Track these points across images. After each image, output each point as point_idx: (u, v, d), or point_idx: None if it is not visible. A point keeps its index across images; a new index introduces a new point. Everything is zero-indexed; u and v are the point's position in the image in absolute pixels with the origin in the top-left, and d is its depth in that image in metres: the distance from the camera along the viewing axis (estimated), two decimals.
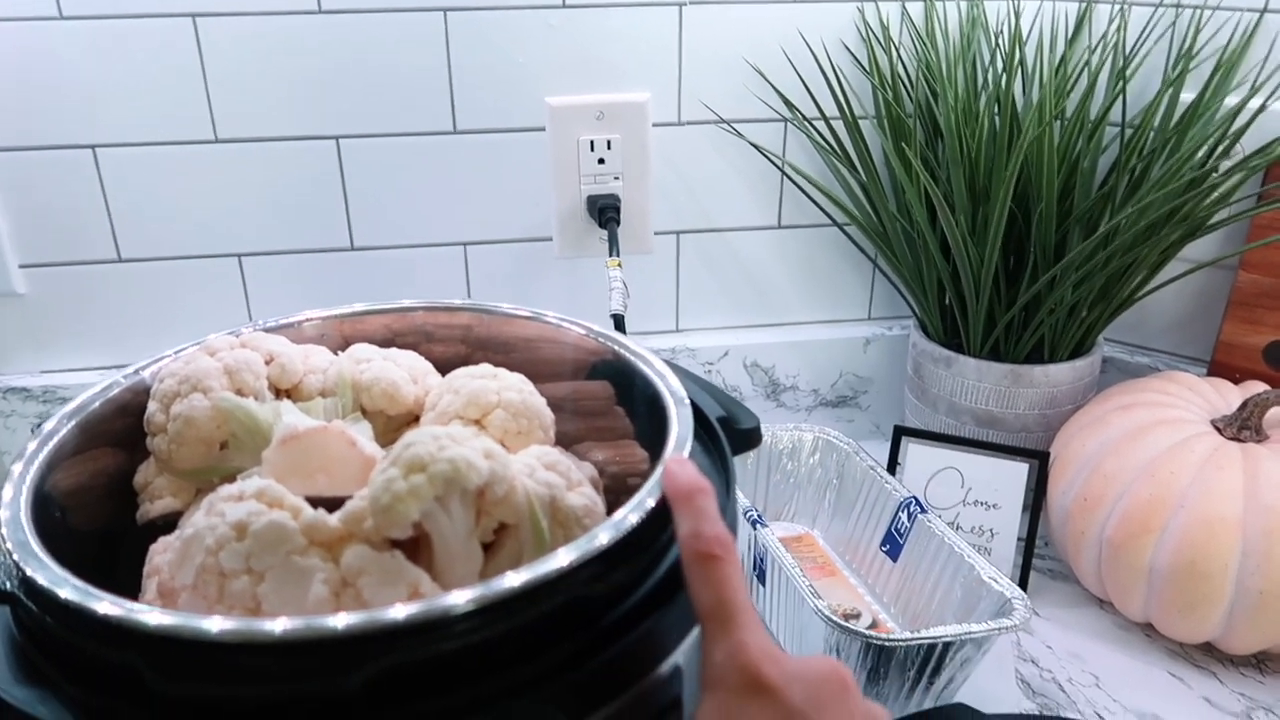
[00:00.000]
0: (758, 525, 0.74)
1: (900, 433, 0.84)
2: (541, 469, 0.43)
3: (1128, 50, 0.82)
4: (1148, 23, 0.83)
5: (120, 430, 0.49)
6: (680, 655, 0.39)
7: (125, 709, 0.32)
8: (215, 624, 0.32)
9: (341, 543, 0.39)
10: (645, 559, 0.38)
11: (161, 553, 0.42)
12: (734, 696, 0.34)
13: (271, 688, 0.32)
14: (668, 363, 0.53)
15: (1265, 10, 0.80)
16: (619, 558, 0.37)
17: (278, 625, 0.32)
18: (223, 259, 0.90)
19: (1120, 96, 0.78)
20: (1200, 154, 0.76)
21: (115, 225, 0.87)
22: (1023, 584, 0.79)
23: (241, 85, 0.84)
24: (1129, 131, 0.80)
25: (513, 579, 0.34)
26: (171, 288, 0.90)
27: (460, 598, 0.34)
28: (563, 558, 0.35)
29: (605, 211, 0.89)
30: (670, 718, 0.38)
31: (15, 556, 0.36)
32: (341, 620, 0.32)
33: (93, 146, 0.84)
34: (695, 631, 0.40)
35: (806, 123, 0.90)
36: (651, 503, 0.40)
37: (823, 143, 0.89)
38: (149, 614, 0.33)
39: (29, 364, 0.91)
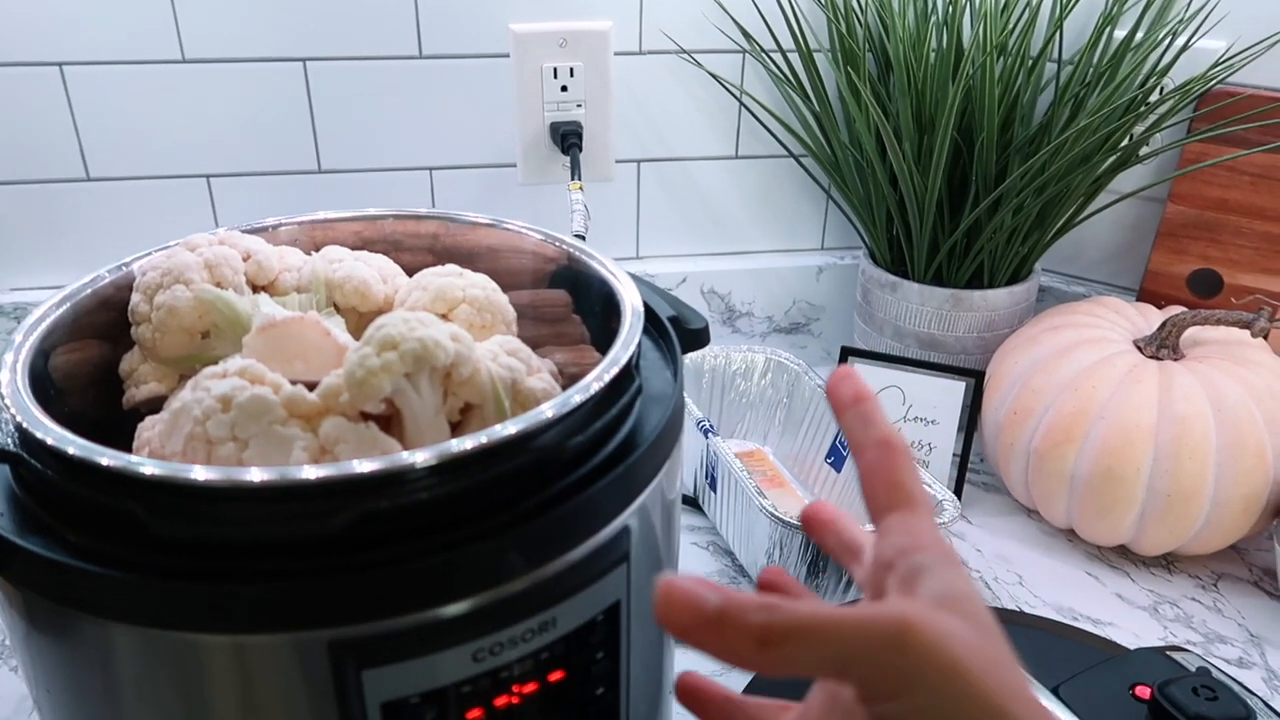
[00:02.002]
0: (709, 434, 0.78)
1: (846, 352, 0.88)
2: (504, 354, 0.46)
3: None
4: None
5: (105, 323, 0.51)
6: (629, 518, 0.43)
7: (124, 552, 0.36)
8: (202, 472, 0.36)
9: (319, 416, 0.42)
10: (596, 430, 0.42)
11: (150, 429, 0.46)
12: (941, 566, 0.32)
13: (255, 530, 0.36)
14: (623, 270, 0.56)
15: None
16: (567, 430, 0.41)
17: (256, 474, 0.35)
18: (191, 179, 0.92)
19: (1058, 32, 0.82)
20: (1134, 85, 0.80)
21: (83, 144, 0.88)
22: (957, 494, 0.84)
23: (209, 5, 0.85)
24: (1068, 70, 0.84)
25: (469, 441, 0.38)
26: (140, 207, 0.92)
27: (420, 456, 0.37)
28: (511, 427, 0.39)
29: (568, 138, 0.92)
30: (619, 570, 0.42)
31: (19, 419, 0.39)
32: (313, 471, 0.36)
33: (60, 64, 0.85)
34: (643, 497, 0.44)
35: (763, 54, 0.92)
36: (596, 387, 0.43)
37: (779, 74, 0.92)
38: (145, 464, 0.36)
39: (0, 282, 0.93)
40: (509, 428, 0.39)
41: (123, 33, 0.85)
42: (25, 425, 0.38)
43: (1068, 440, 0.75)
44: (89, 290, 0.51)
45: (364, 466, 0.36)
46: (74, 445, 0.37)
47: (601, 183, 0.97)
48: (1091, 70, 0.82)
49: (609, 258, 0.56)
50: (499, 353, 0.46)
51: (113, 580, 0.35)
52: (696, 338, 0.54)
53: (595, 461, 0.42)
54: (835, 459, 0.83)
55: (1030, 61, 0.83)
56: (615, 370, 0.43)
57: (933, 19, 0.85)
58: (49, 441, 0.37)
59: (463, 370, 0.44)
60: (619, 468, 0.41)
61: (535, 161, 0.95)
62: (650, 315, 0.53)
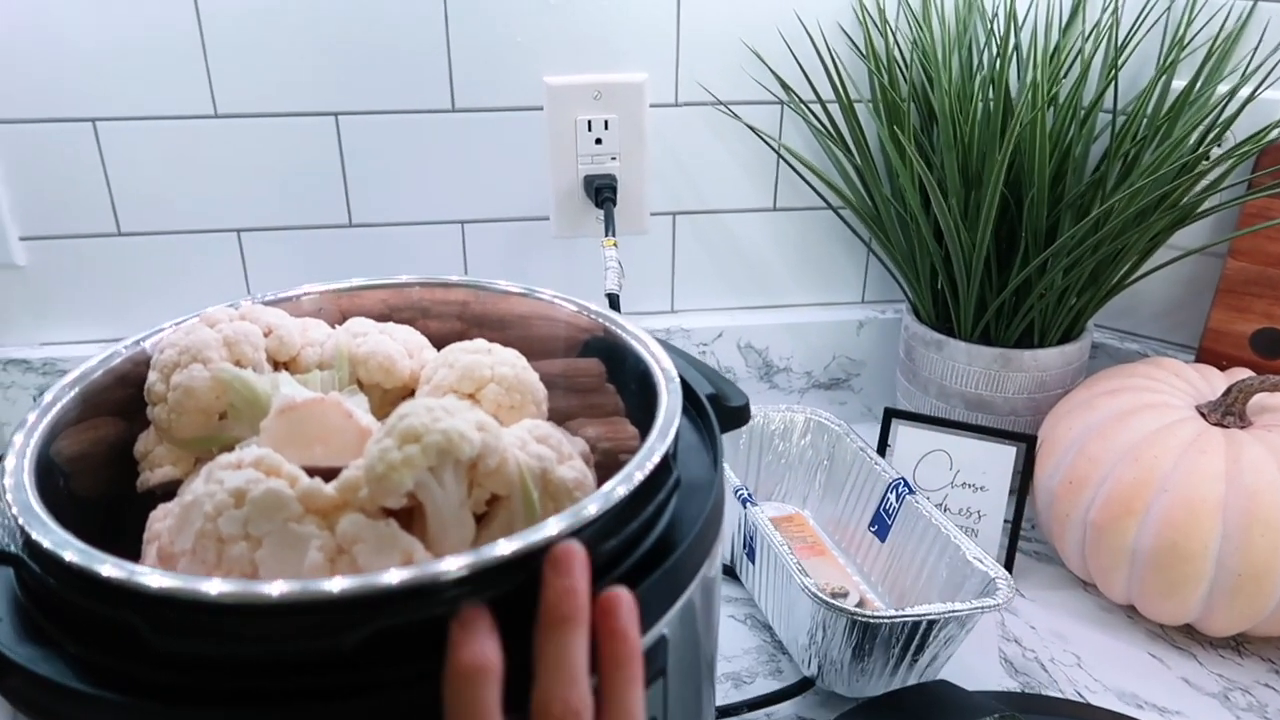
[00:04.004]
0: (748, 504, 0.75)
1: (890, 415, 0.85)
2: (533, 442, 0.44)
3: (1121, 37, 0.82)
4: (1142, 10, 0.84)
5: (121, 400, 0.50)
6: (665, 626, 0.40)
7: (126, 667, 0.34)
8: (214, 586, 0.33)
9: (337, 511, 0.40)
10: (632, 530, 0.39)
11: (161, 519, 0.43)
12: None
13: (268, 647, 0.33)
14: (659, 340, 0.54)
15: None
16: (606, 528, 0.38)
17: (275, 588, 0.33)
18: (222, 234, 0.91)
19: (1113, 83, 0.79)
20: (1191, 141, 0.76)
21: (115, 198, 0.88)
22: (1008, 566, 0.80)
23: (242, 60, 0.84)
24: (1121, 119, 0.81)
25: (503, 546, 0.35)
26: (170, 262, 0.91)
27: (452, 564, 0.35)
28: (551, 527, 0.36)
29: (602, 191, 0.90)
30: (654, 687, 0.39)
31: (20, 519, 0.37)
32: (336, 584, 0.33)
33: (93, 120, 0.85)
34: (681, 602, 0.41)
35: (802, 105, 0.90)
36: (640, 476, 0.41)
37: (818, 126, 0.89)
38: (150, 575, 0.33)
39: (29, 336, 0.92)
40: (548, 528, 0.36)
41: (156, 88, 0.84)
42: (25, 526, 0.36)
43: (1128, 513, 0.71)
44: (103, 369, 0.49)
45: (389, 578, 0.34)
46: (73, 551, 0.35)
47: (636, 236, 0.95)
48: (1146, 121, 0.79)
49: (644, 330, 0.53)
50: (528, 440, 0.44)
51: (109, 703, 0.32)
52: (737, 416, 0.51)
53: (629, 564, 0.39)
54: (879, 528, 0.80)
55: (1083, 112, 0.80)
56: (652, 464, 0.40)
57: (979, 74, 0.83)
58: (46, 545, 0.35)
59: (489, 461, 0.41)
60: (655, 573, 0.38)
61: (569, 215, 0.93)
62: (688, 392, 0.50)
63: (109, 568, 0.34)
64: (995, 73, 0.81)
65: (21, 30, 0.81)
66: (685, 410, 0.48)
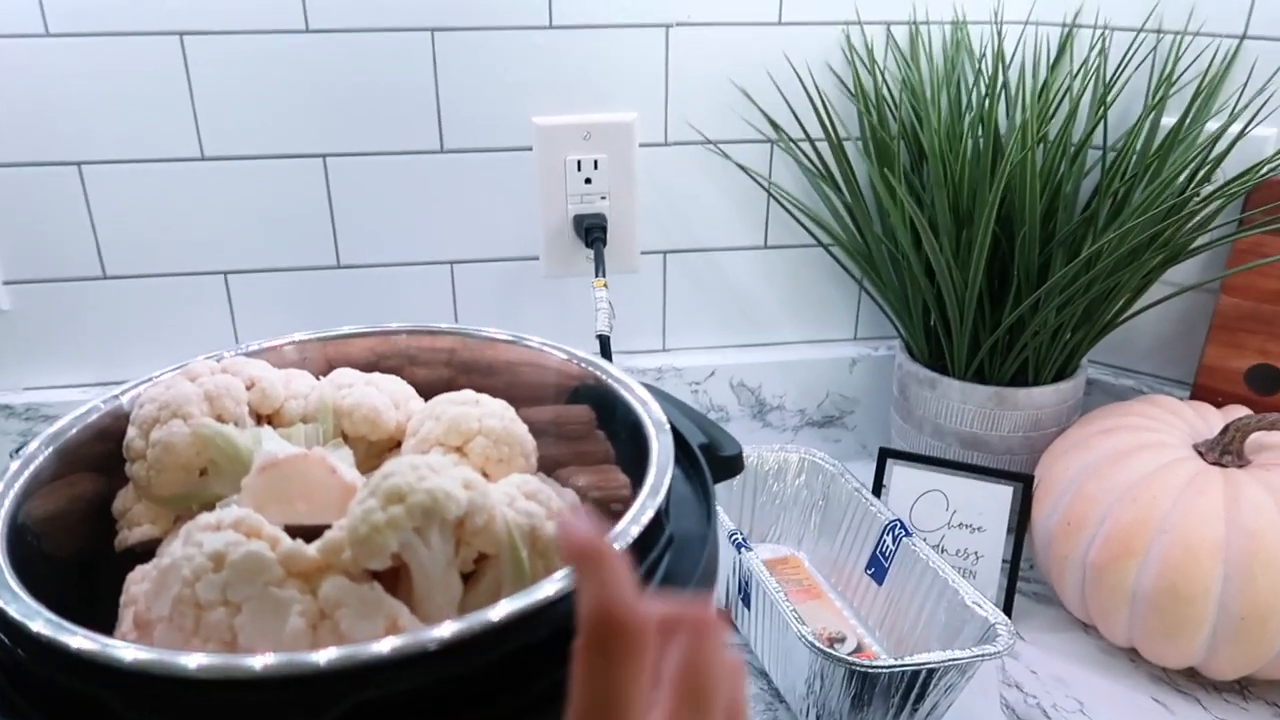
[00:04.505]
0: (742, 549, 0.74)
1: (885, 454, 0.84)
2: (522, 498, 0.43)
3: (1109, 75, 0.82)
4: (1129, 48, 0.84)
5: (99, 455, 0.48)
6: None
7: None
8: (193, 660, 0.32)
9: (320, 573, 0.39)
10: None
11: (138, 582, 0.42)
12: None
13: None
14: (649, 387, 0.53)
15: (1244, 37, 0.81)
16: None
17: (258, 661, 0.32)
18: (208, 276, 0.90)
19: (1102, 121, 0.79)
20: (1181, 179, 0.76)
21: (100, 242, 0.87)
22: (1007, 608, 0.79)
23: (228, 103, 0.84)
24: (1110, 156, 0.80)
25: (493, 613, 0.34)
26: (157, 305, 0.90)
27: (440, 632, 0.33)
28: (543, 590, 0.35)
29: (592, 231, 0.89)
30: None
31: None
32: (322, 656, 0.32)
33: (78, 164, 0.84)
34: None
35: (792, 144, 0.90)
36: (635, 531, 0.40)
37: (808, 164, 0.89)
38: (124, 649, 0.32)
39: (12, 381, 0.91)
40: (540, 592, 0.35)
41: (142, 131, 0.84)
42: None
43: (1127, 554, 0.70)
44: (79, 426, 0.47)
45: (378, 648, 0.32)
46: (42, 622, 0.33)
47: (627, 274, 0.94)
48: (1136, 159, 0.79)
49: (633, 378, 0.52)
50: (516, 496, 0.43)
51: None
52: (730, 466, 0.50)
53: None
54: (876, 570, 0.78)
55: (1073, 149, 0.79)
56: (644, 523, 0.39)
57: (968, 116, 0.83)
58: (13, 615, 0.34)
59: (477, 519, 0.40)
60: None
61: (559, 254, 0.92)
62: (679, 441, 0.49)
63: (79, 640, 0.32)
64: (985, 111, 0.81)
65: (6, 72, 0.80)
66: (677, 460, 0.47)
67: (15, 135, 0.82)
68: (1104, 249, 0.74)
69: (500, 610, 0.34)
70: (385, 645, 0.33)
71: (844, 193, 0.88)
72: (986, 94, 0.82)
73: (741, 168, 0.91)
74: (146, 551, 0.47)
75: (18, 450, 0.47)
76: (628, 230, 0.92)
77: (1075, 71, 0.83)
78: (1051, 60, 0.87)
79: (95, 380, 0.92)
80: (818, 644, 0.63)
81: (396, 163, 0.88)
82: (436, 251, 0.92)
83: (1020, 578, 0.82)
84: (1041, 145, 0.79)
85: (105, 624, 0.43)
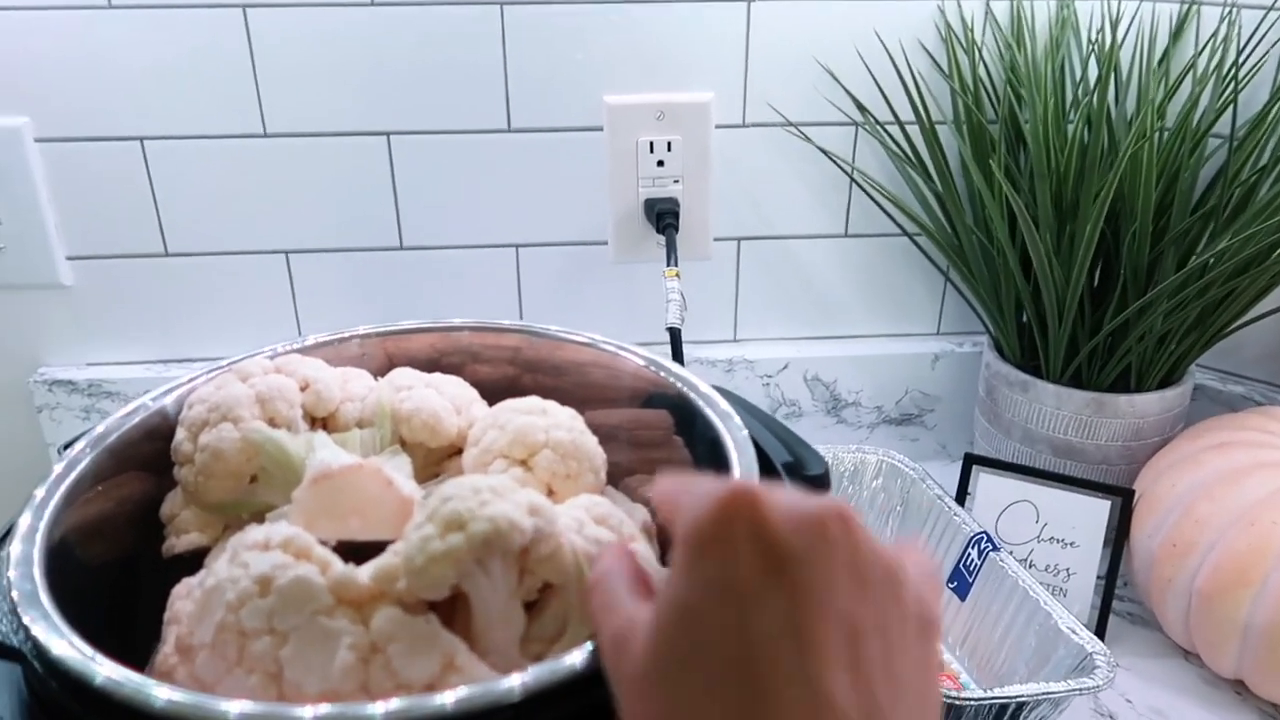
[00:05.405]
0: None
1: (971, 460, 0.79)
2: (591, 524, 0.39)
3: (1240, 49, 0.75)
4: (1256, 28, 0.77)
5: (147, 455, 0.46)
6: None
7: None
8: (235, 707, 0.29)
9: (373, 602, 0.36)
10: None
11: (184, 597, 0.40)
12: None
13: None
14: (727, 393, 0.49)
15: None
16: None
17: (307, 712, 0.29)
18: (270, 255, 0.88)
19: (1232, 104, 0.71)
20: None
21: (162, 218, 0.85)
22: (1100, 630, 0.73)
23: (292, 78, 0.81)
24: (1236, 142, 0.74)
25: (571, 660, 0.31)
26: (218, 283, 0.88)
27: (513, 682, 0.30)
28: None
29: (664, 217, 0.85)
30: None
31: (21, 613, 0.33)
32: (379, 708, 0.29)
33: (141, 139, 0.82)
34: None
35: (879, 127, 0.84)
36: None
37: (896, 149, 0.84)
38: (157, 690, 0.29)
39: (75, 356, 0.90)
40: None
41: (204, 107, 0.81)
42: (26, 621, 0.33)
43: (1241, 584, 0.64)
44: (126, 425, 0.45)
45: (444, 700, 0.29)
46: (71, 651, 0.31)
47: (699, 262, 0.90)
48: (1269, 154, 0.72)
49: (713, 387, 0.48)
50: (585, 521, 0.39)
51: None
52: (815, 485, 0.46)
53: None
54: (959, 584, 0.74)
55: (1195, 137, 0.73)
56: None
57: (1077, 96, 0.76)
58: (46, 647, 0.31)
59: (542, 548, 0.37)
60: None
61: (628, 240, 0.88)
62: (762, 460, 0.45)
63: (107, 674, 0.30)
64: (1095, 93, 0.74)
65: (70, 48, 0.78)
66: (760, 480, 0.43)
67: (77, 109, 0.80)
68: (1226, 251, 0.67)
69: (581, 656, 0.31)
70: (451, 697, 0.30)
71: (934, 180, 0.83)
72: (1101, 74, 0.75)
73: (823, 151, 0.86)
74: (194, 557, 0.44)
75: (65, 446, 0.45)
76: (701, 216, 0.87)
77: (1200, 48, 0.76)
78: (1173, 31, 0.80)
79: (156, 357, 0.91)
80: None
81: (462, 142, 0.85)
82: (501, 234, 0.88)
83: (1114, 597, 0.76)
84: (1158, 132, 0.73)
85: (149, 633, 0.41)
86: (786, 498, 0.29)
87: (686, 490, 0.30)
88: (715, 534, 0.28)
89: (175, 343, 0.90)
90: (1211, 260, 0.69)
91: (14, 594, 0.34)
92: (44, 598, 0.34)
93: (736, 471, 0.41)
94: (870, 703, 0.26)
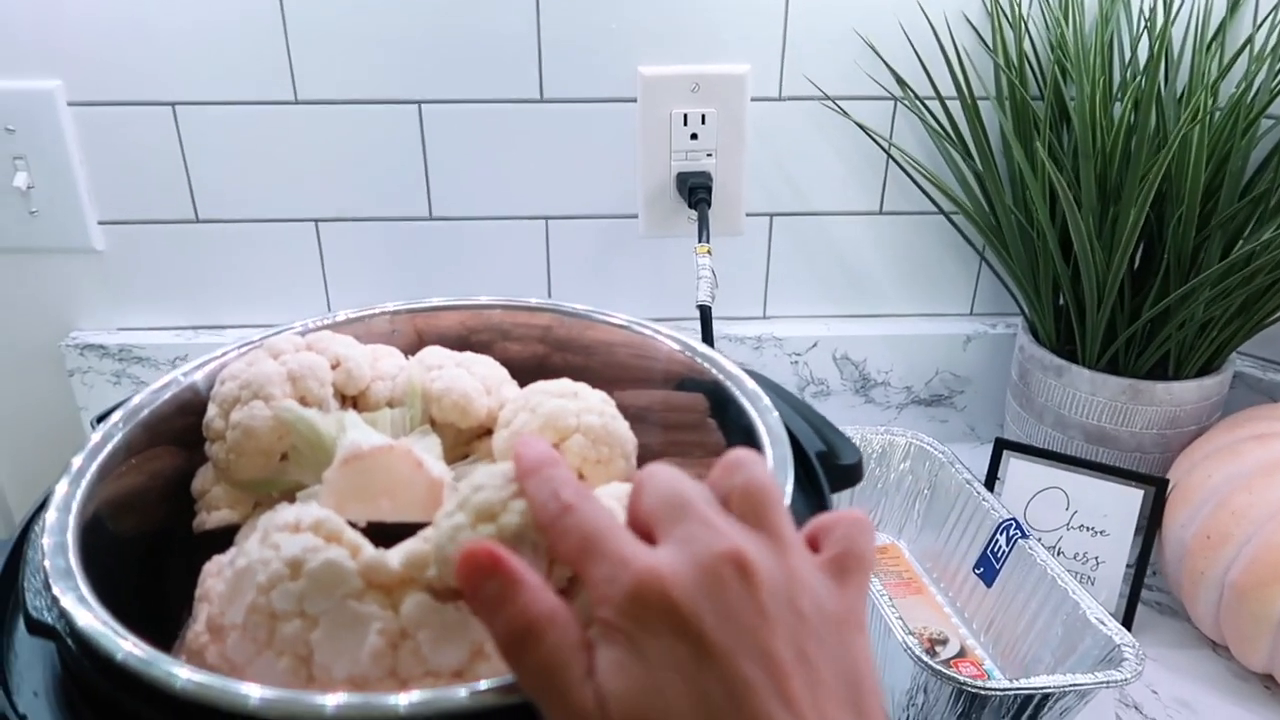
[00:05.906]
0: None
1: (1001, 445, 0.78)
2: (621, 511, 0.39)
3: None
4: None
5: (181, 429, 0.46)
6: None
7: None
8: (255, 692, 0.29)
9: (402, 587, 0.35)
10: None
11: (215, 574, 0.40)
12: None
13: None
14: (759, 377, 0.48)
15: None
16: None
17: (330, 700, 0.29)
18: (300, 224, 0.87)
19: None
20: None
21: (193, 184, 0.85)
22: (1127, 619, 0.73)
23: (324, 46, 0.80)
24: None
25: None
26: (248, 250, 0.88)
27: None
28: None
29: (696, 191, 0.84)
30: None
31: (54, 589, 0.33)
32: (403, 699, 0.29)
33: (173, 104, 0.82)
34: None
35: (919, 103, 0.83)
36: None
37: (935, 126, 0.82)
38: (178, 670, 0.30)
39: (105, 320, 0.90)
40: None
41: (236, 73, 0.81)
42: (59, 597, 0.33)
43: (1277, 579, 0.63)
44: (160, 399, 0.45)
45: (463, 693, 0.29)
46: (100, 626, 0.31)
47: (730, 237, 0.89)
48: None
49: (747, 372, 0.48)
50: (616, 509, 0.39)
51: None
52: (849, 475, 0.46)
53: None
54: (985, 570, 0.73)
55: (1249, 118, 0.70)
56: None
57: (1128, 74, 0.74)
58: (75, 621, 0.31)
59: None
60: None
61: (659, 213, 0.87)
62: (795, 449, 0.45)
63: (128, 652, 0.30)
64: (1146, 73, 0.72)
65: (102, 12, 0.78)
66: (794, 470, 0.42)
67: (109, 73, 0.80)
68: (1275, 240, 0.66)
69: None
70: (471, 689, 0.29)
71: (974, 159, 0.81)
72: (1153, 52, 0.72)
73: (861, 126, 0.84)
74: (225, 533, 0.45)
75: (100, 419, 0.45)
76: (734, 191, 0.86)
77: (1260, 23, 0.73)
78: (1229, 6, 0.77)
79: (187, 323, 0.91)
80: (924, 658, 0.58)
81: (494, 111, 0.84)
82: (531, 205, 0.88)
83: (1143, 586, 0.75)
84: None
85: (179, 606, 0.41)
86: (685, 557, 0.29)
87: (599, 554, 0.30)
88: (639, 619, 0.28)
89: (205, 308, 0.91)
90: (1258, 248, 0.67)
91: (46, 564, 0.34)
92: (76, 570, 0.34)
93: (770, 463, 0.40)
94: None
